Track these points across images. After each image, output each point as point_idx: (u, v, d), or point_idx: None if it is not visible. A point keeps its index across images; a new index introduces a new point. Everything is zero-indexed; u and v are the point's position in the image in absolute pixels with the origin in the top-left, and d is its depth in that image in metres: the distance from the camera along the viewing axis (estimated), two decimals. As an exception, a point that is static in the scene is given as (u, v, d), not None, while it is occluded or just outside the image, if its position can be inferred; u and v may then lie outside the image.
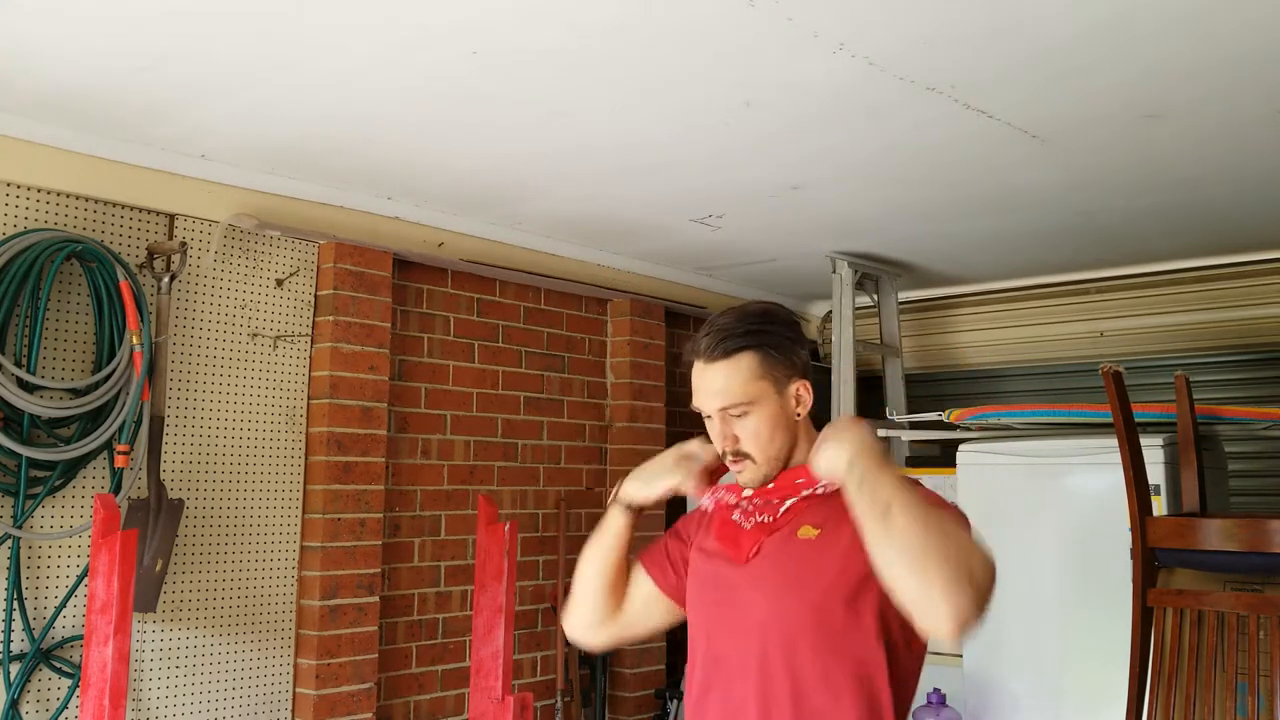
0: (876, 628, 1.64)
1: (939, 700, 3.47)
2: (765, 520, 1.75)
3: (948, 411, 3.40)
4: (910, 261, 4.33)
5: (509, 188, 3.25)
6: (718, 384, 1.71)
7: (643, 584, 1.91)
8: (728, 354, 1.70)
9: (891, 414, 4.12)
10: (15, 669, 2.69)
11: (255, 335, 3.21)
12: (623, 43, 2.25)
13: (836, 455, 1.60)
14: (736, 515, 1.79)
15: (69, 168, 2.81)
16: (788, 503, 1.74)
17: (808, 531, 1.70)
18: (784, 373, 1.73)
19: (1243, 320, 4.14)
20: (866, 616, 1.64)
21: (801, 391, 1.74)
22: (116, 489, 2.82)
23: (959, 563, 1.48)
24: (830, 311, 4.43)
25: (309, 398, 3.32)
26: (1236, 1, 2.06)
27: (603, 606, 1.90)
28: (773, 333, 1.73)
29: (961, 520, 1.61)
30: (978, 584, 1.49)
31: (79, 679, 2.68)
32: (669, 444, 4.80)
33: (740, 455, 1.74)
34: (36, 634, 2.72)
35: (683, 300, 4.59)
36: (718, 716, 1.73)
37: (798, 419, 1.74)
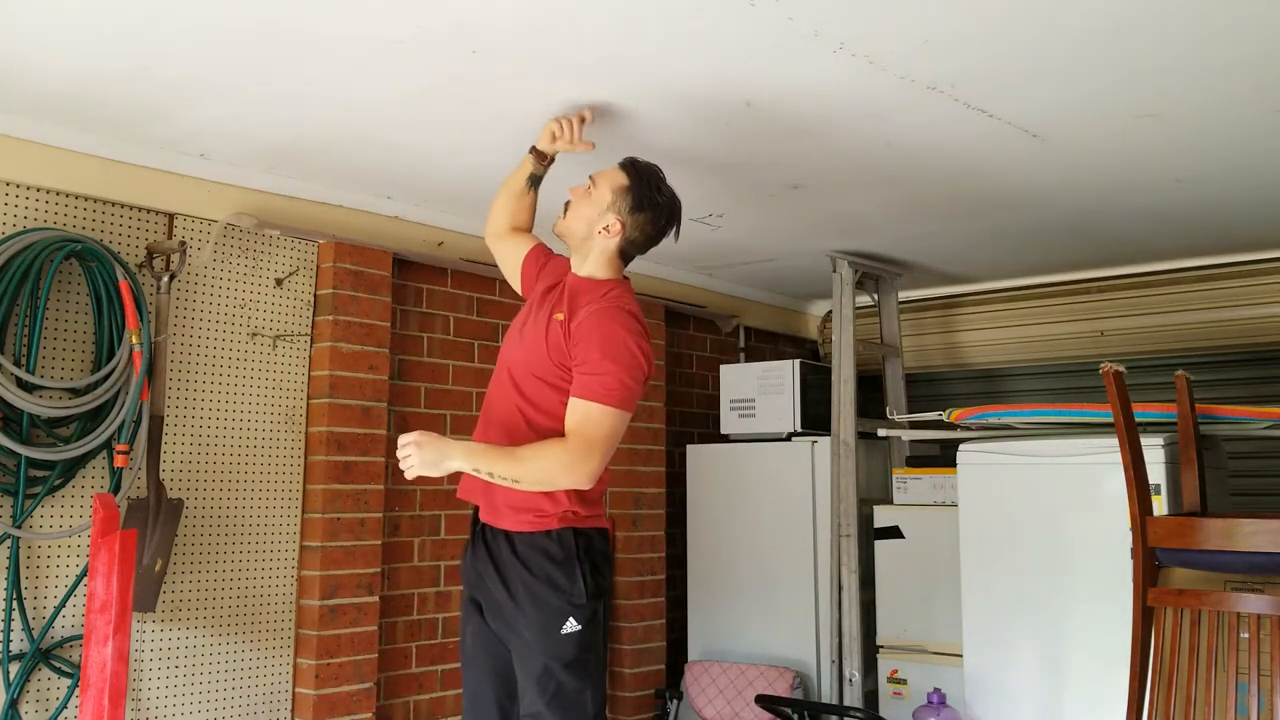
0: None
1: (939, 700, 3.47)
2: None
3: (948, 411, 3.40)
4: (910, 261, 4.33)
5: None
6: None
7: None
8: None
9: (891, 414, 4.12)
10: (15, 669, 2.69)
11: (255, 335, 3.21)
12: (623, 43, 2.25)
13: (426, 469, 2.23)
14: None
15: (68, 167, 2.81)
16: None
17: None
18: None
19: (1243, 320, 4.14)
20: None
21: None
22: (116, 489, 2.82)
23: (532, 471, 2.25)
24: (830, 311, 4.43)
25: (308, 397, 3.32)
26: (1236, 1, 2.06)
27: (503, 223, 2.75)
28: None
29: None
30: (550, 468, 2.23)
31: (78, 679, 2.68)
32: (669, 444, 4.80)
33: None
34: (36, 634, 2.72)
35: (683, 300, 4.59)
36: None
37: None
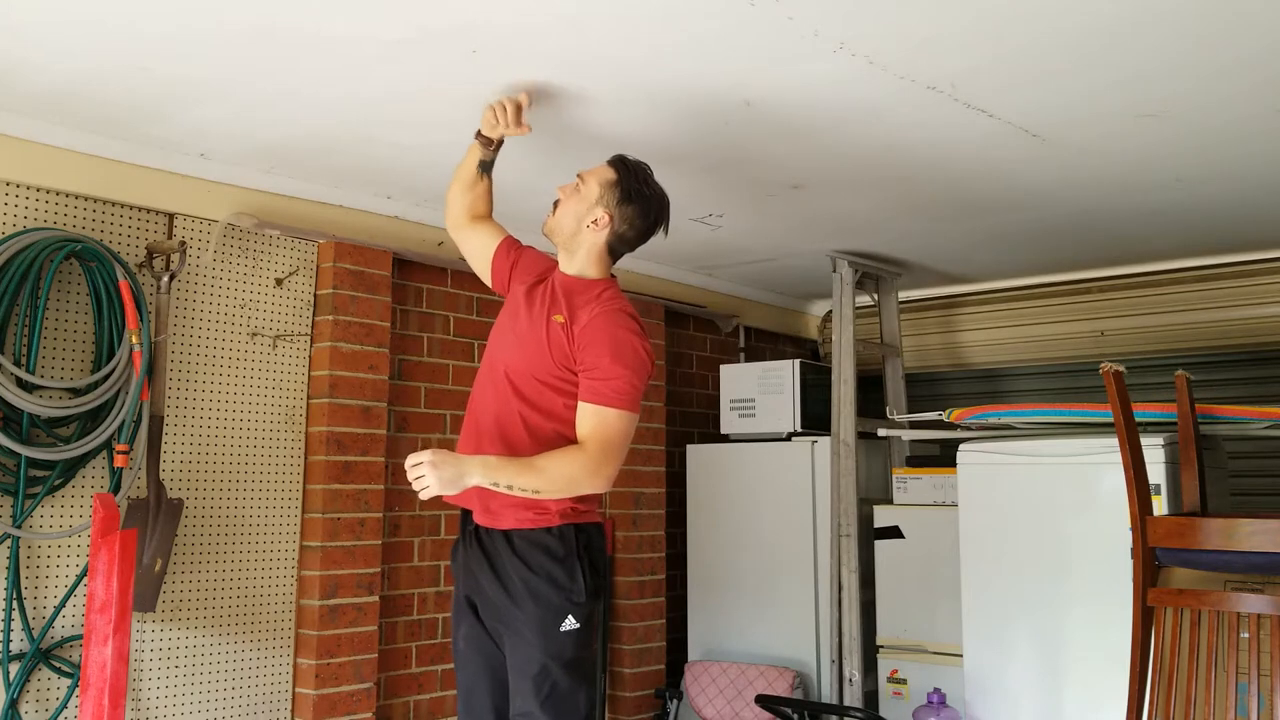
0: None
1: (939, 700, 3.47)
2: None
3: (948, 411, 3.40)
4: (910, 261, 4.33)
5: (508, 187, 3.24)
6: None
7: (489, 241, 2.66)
8: None
9: (891, 413, 4.12)
10: (15, 669, 2.69)
11: (255, 335, 3.21)
12: (623, 43, 2.25)
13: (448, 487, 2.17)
14: None
15: (68, 167, 2.81)
16: None
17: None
18: None
19: (1243, 320, 4.14)
20: None
21: None
22: (116, 488, 2.82)
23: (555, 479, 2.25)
24: (830, 311, 4.43)
25: (308, 397, 3.32)
26: (1236, 1, 2.06)
27: (460, 213, 2.67)
28: None
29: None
30: (572, 475, 2.24)
31: (78, 679, 2.68)
32: (669, 444, 4.79)
33: None
34: (36, 634, 2.72)
35: (683, 300, 4.59)
36: None
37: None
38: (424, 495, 2.16)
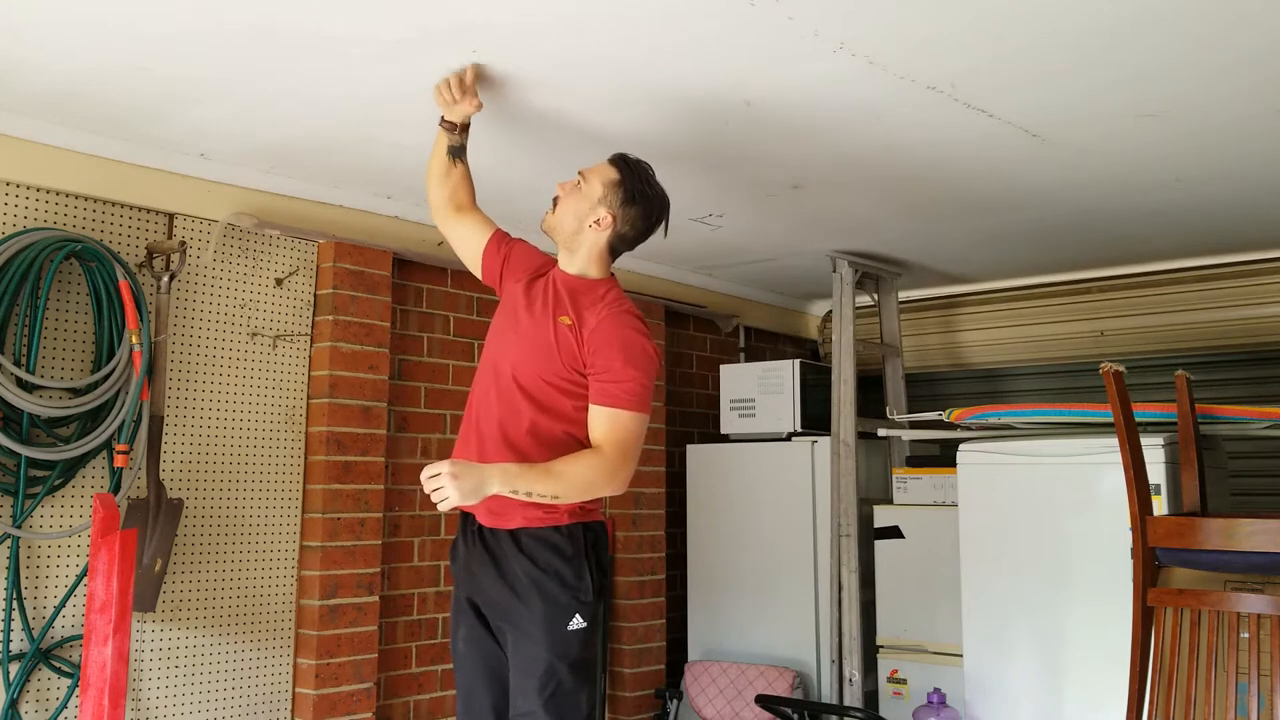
0: None
1: (939, 700, 3.47)
2: None
3: (948, 411, 3.40)
4: (910, 261, 4.33)
5: (508, 186, 3.25)
6: None
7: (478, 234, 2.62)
8: None
9: (891, 413, 4.12)
10: (15, 669, 2.69)
11: (255, 335, 3.21)
12: (623, 43, 2.25)
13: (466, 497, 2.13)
14: None
15: (68, 167, 2.81)
16: None
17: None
18: None
19: (1243, 320, 4.14)
20: None
21: None
22: (116, 488, 2.82)
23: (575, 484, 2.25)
24: (830, 311, 4.43)
25: (308, 397, 3.32)
26: (1236, 1, 2.06)
27: (443, 204, 2.63)
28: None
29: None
30: (591, 480, 2.24)
31: (78, 679, 2.68)
32: (669, 444, 4.78)
33: None
34: (36, 634, 2.72)
35: (683, 300, 4.59)
36: None
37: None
38: (443, 507, 2.13)
